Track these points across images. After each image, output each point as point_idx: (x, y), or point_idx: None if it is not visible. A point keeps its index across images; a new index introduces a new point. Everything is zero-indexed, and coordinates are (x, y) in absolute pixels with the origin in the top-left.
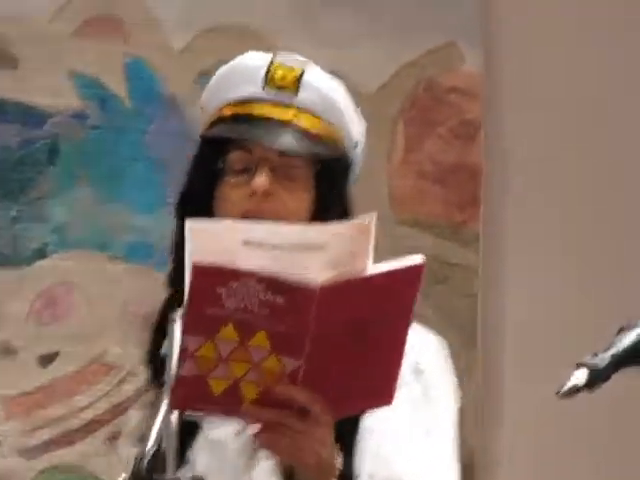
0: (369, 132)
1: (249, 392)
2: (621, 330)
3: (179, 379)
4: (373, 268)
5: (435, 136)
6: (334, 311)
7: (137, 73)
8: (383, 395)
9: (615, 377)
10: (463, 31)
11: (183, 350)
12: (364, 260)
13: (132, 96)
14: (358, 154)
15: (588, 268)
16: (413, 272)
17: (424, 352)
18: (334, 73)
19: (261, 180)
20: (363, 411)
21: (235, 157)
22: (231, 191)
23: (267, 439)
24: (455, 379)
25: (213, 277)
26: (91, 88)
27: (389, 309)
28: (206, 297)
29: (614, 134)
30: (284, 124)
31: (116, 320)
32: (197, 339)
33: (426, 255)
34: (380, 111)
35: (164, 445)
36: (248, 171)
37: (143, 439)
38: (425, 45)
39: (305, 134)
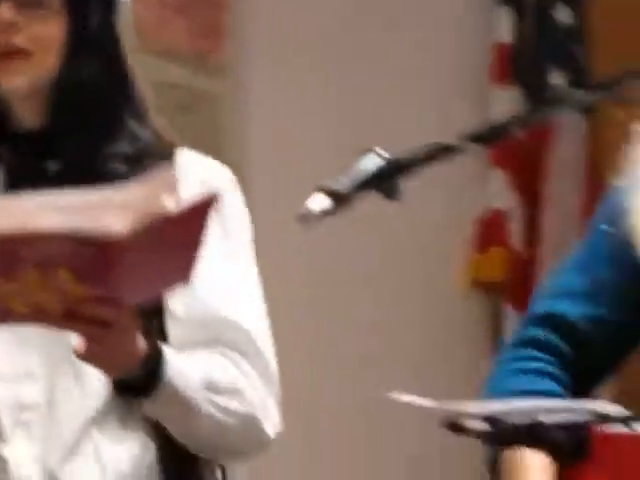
0: None
1: (16, 305)
2: (363, 155)
3: None
4: (172, 203)
5: None
6: (139, 249)
7: None
8: (181, 278)
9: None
10: None
11: None
12: (165, 199)
13: None
14: None
15: (335, 97)
16: (210, 201)
17: (221, 189)
18: None
19: (5, 10)
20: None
21: None
22: None
23: (86, 351)
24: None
25: (13, 243)
26: None
27: (187, 228)
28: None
29: None
30: None
31: None
32: None
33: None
34: None
35: None
36: None
37: None
38: None
39: None
